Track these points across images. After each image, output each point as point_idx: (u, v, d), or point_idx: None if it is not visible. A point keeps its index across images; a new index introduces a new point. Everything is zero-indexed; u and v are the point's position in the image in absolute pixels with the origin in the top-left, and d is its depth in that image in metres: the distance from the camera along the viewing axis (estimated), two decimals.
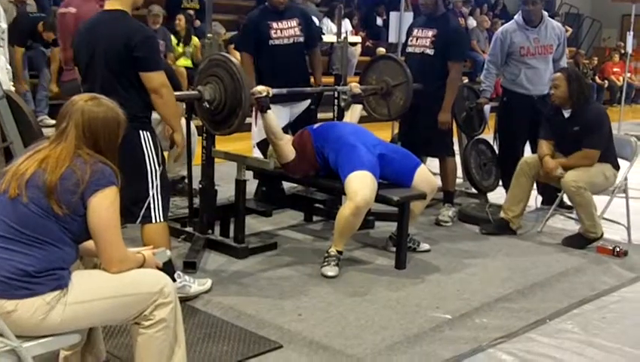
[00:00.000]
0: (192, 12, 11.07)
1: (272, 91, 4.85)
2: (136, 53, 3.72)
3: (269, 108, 4.76)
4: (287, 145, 4.84)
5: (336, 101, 5.81)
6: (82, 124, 2.67)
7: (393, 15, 9.75)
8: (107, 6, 3.89)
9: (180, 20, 10.22)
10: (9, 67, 4.67)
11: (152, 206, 3.85)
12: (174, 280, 3.93)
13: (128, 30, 3.77)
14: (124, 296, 2.67)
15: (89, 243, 2.75)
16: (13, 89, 4.68)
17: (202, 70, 4.58)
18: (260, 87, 4.75)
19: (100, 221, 2.62)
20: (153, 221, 3.86)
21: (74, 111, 2.70)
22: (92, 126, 2.69)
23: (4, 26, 4.63)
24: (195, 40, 10.21)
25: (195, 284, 4.19)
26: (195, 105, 4.66)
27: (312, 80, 5.91)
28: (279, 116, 5.29)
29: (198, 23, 11.02)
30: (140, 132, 3.82)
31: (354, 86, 5.50)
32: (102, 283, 2.67)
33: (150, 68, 3.77)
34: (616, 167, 5.47)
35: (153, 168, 3.84)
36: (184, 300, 3.94)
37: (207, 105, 4.42)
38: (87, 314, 2.62)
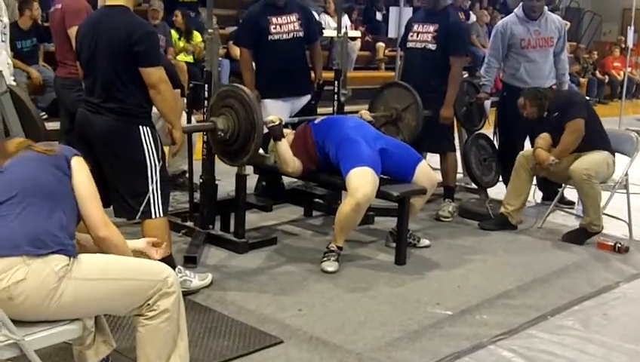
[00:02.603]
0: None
1: (285, 120, 4.93)
2: (137, 48, 3.73)
3: (284, 137, 4.78)
4: (295, 167, 4.84)
5: (335, 96, 5.80)
6: None
7: (393, 10, 9.74)
8: (109, 1, 3.90)
9: (177, 16, 10.16)
10: (10, 62, 4.66)
11: (151, 201, 3.86)
12: None
13: (129, 25, 3.78)
14: (128, 279, 2.66)
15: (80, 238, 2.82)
16: (14, 84, 4.67)
17: (214, 104, 4.63)
18: (271, 117, 4.76)
19: (83, 179, 2.77)
20: (153, 216, 3.87)
21: None
22: None
23: (6, 20, 4.62)
24: (197, 35, 10.16)
25: (196, 279, 4.19)
26: (209, 137, 4.69)
27: (312, 75, 5.90)
28: (279, 111, 5.28)
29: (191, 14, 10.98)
30: (140, 127, 3.82)
31: (364, 113, 5.50)
32: (107, 264, 2.68)
33: (149, 63, 3.78)
34: (613, 154, 5.52)
35: (153, 163, 3.85)
36: (185, 294, 3.94)
37: (222, 135, 4.45)
38: (92, 294, 2.59)
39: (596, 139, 5.40)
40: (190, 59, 10.08)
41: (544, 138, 5.50)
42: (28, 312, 2.52)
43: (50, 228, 2.57)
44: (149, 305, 2.71)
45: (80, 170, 2.78)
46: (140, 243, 3.02)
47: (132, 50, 3.73)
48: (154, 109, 3.96)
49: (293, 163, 4.81)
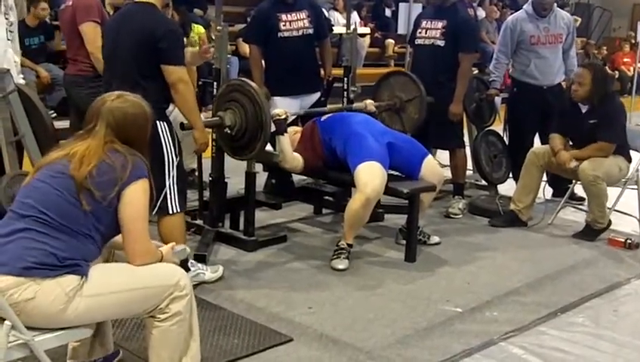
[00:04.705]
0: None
1: (290, 113, 4.89)
2: (160, 45, 3.79)
3: (287, 132, 4.76)
4: (293, 162, 4.83)
5: (345, 93, 5.79)
6: (113, 123, 2.74)
7: (402, 6, 9.76)
8: None
9: (173, 16, 10.05)
10: (17, 60, 4.67)
11: (168, 197, 3.89)
12: (188, 269, 3.96)
13: (155, 22, 3.85)
14: (140, 288, 2.68)
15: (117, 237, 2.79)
16: (23, 82, 4.68)
17: (221, 95, 4.61)
18: (278, 110, 4.75)
19: (132, 211, 2.68)
20: (170, 212, 3.89)
21: (103, 110, 2.76)
22: (121, 124, 2.76)
23: (13, 19, 4.63)
24: (197, 28, 10.11)
25: (209, 271, 4.26)
26: (215, 130, 4.69)
27: (321, 72, 5.89)
28: (289, 108, 5.27)
29: (200, 12, 10.95)
30: (157, 122, 3.84)
31: (369, 103, 5.48)
32: (118, 276, 2.69)
33: (170, 61, 3.83)
34: (629, 160, 5.45)
35: (170, 159, 3.89)
36: (199, 284, 4.08)
37: (229, 131, 4.44)
38: (104, 306, 2.63)
39: (616, 148, 5.34)
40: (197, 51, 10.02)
41: (560, 139, 5.46)
42: (39, 324, 2.55)
43: (67, 251, 2.57)
44: (160, 308, 2.72)
45: (129, 201, 2.66)
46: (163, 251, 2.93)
47: (156, 47, 3.78)
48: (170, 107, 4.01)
49: (292, 159, 4.80)
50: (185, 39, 9.87)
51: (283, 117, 4.71)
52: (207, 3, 10.91)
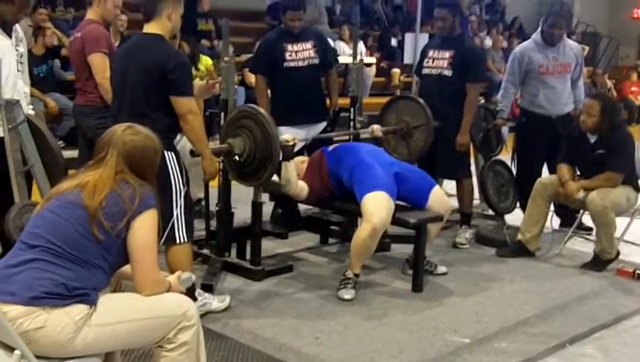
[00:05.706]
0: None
1: (298, 140, 4.91)
2: (170, 77, 3.81)
3: (292, 158, 4.77)
4: (297, 189, 4.83)
5: (352, 123, 5.80)
6: (124, 154, 2.78)
7: (408, 36, 9.81)
8: (146, 29, 4.00)
9: (182, 47, 10.12)
10: (27, 91, 4.70)
11: (176, 226, 3.89)
12: (195, 299, 3.95)
13: (165, 54, 3.88)
14: (148, 318, 2.68)
15: (124, 267, 2.80)
16: (32, 113, 4.71)
17: (231, 121, 4.62)
18: (286, 136, 4.76)
19: (141, 241, 2.69)
20: (177, 241, 3.90)
21: (113, 141, 2.80)
22: (132, 154, 2.80)
23: (22, 50, 4.66)
24: (205, 60, 10.17)
25: (216, 301, 4.26)
26: (223, 157, 4.71)
27: (327, 101, 5.91)
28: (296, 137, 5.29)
29: (207, 43, 11.03)
30: (165, 152, 3.84)
31: (376, 129, 5.50)
32: (126, 305, 2.69)
33: (180, 92, 3.86)
34: (637, 189, 5.44)
35: (178, 188, 3.90)
36: (206, 314, 4.06)
37: (238, 159, 4.46)
38: (112, 336, 2.62)
39: (625, 177, 5.35)
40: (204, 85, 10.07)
41: (567, 169, 5.46)
42: (48, 353, 2.54)
43: (77, 281, 2.57)
44: (168, 338, 2.72)
45: (138, 231, 2.68)
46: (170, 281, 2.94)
47: (165, 78, 3.81)
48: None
49: (297, 187, 4.81)
50: (194, 71, 9.98)
51: (291, 143, 4.73)
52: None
